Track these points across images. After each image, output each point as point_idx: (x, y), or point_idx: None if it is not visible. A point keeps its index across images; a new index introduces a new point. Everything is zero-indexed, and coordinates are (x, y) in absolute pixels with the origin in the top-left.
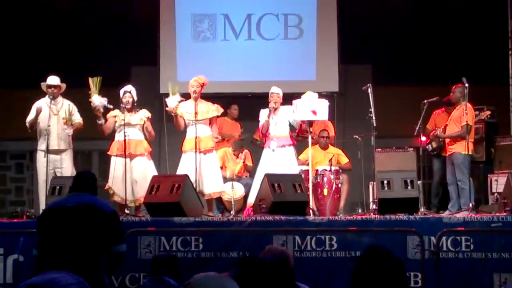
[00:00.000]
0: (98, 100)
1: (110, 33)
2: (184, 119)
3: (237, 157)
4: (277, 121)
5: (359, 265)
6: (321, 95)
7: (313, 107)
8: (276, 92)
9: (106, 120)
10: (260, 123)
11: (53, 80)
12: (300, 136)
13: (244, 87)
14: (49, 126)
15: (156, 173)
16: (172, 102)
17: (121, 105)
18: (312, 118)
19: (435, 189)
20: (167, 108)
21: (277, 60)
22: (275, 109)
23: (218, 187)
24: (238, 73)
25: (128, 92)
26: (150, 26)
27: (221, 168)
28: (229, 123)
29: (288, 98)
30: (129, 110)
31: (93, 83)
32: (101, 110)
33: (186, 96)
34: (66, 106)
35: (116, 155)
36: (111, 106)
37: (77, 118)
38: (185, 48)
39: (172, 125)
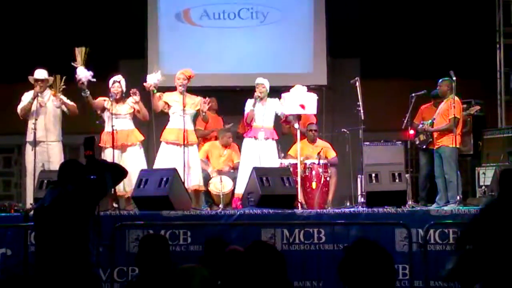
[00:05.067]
0: (83, 73)
1: (98, 27)
2: (168, 106)
3: (226, 147)
4: (265, 113)
5: (348, 256)
6: (309, 89)
7: (302, 101)
8: (261, 82)
9: (94, 97)
10: (245, 113)
11: (41, 73)
12: (284, 126)
13: (231, 80)
14: (36, 119)
15: (145, 164)
16: (151, 78)
17: (110, 95)
18: (300, 112)
19: (422, 182)
20: (145, 84)
21: (266, 52)
22: (261, 99)
23: (199, 181)
24: (224, 66)
25: (117, 82)
26: (137, 19)
27: (207, 162)
28: (211, 117)
29: (277, 91)
30: (118, 101)
31: (80, 53)
32: (85, 83)
33: (171, 89)
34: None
35: (109, 147)
36: (94, 80)
37: (69, 102)
38: (168, 40)
39: (161, 117)
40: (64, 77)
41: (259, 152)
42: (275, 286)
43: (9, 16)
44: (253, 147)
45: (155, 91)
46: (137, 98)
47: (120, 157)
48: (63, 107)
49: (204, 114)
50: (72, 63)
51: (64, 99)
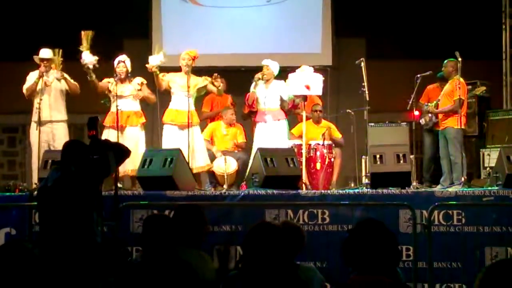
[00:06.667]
0: (88, 58)
1: (102, 6)
2: (169, 86)
3: (230, 125)
4: (268, 95)
5: (351, 236)
6: (314, 69)
7: (307, 82)
8: (267, 64)
9: (100, 79)
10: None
11: (46, 53)
12: (292, 110)
13: (237, 60)
14: (41, 99)
15: (144, 146)
16: (154, 60)
17: (115, 75)
18: (305, 92)
19: (427, 164)
20: (147, 65)
21: (271, 32)
22: (267, 80)
23: (206, 161)
24: (230, 45)
25: (122, 62)
26: None
27: (210, 142)
28: (217, 97)
29: (282, 71)
30: (123, 81)
31: (86, 37)
32: (91, 67)
33: (175, 69)
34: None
35: (109, 127)
36: (97, 66)
37: (71, 80)
38: (172, 20)
39: (165, 97)
40: (60, 50)
41: (270, 134)
42: (281, 268)
43: None
44: (264, 130)
45: (158, 72)
46: (143, 93)
47: (120, 137)
48: (64, 83)
49: (219, 88)
50: (79, 47)
51: (67, 77)
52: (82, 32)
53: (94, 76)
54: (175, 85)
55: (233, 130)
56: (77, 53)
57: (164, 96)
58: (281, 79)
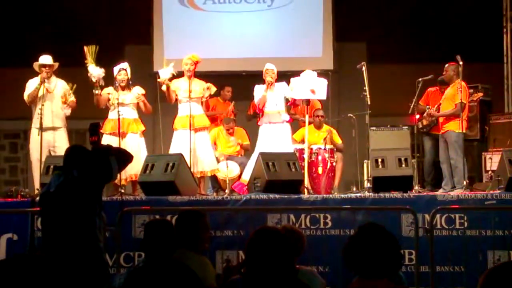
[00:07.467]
0: (96, 72)
1: (104, 12)
2: (176, 95)
3: (231, 134)
4: (274, 97)
5: (353, 240)
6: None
7: (312, 86)
8: (271, 68)
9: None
10: (256, 98)
11: (46, 59)
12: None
13: (238, 65)
14: (43, 105)
15: (146, 151)
16: (164, 73)
17: (115, 82)
18: (310, 96)
19: (427, 168)
20: (158, 79)
21: (272, 37)
22: (271, 84)
23: (211, 165)
24: (231, 50)
25: (123, 70)
26: (143, 4)
27: (215, 147)
28: (221, 104)
29: (283, 76)
30: (123, 88)
31: (89, 51)
32: (98, 81)
33: (177, 75)
34: (62, 85)
35: (109, 134)
36: (102, 83)
37: (71, 98)
38: (173, 25)
39: (166, 104)
40: (74, 85)
41: (275, 135)
42: (281, 272)
43: (14, 0)
44: (269, 132)
45: (170, 84)
46: (143, 91)
47: (121, 144)
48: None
49: (204, 99)
50: (85, 62)
51: (70, 103)
52: (85, 48)
53: (100, 91)
54: (181, 92)
55: (235, 139)
56: (77, 59)
57: (165, 104)
58: (280, 82)
